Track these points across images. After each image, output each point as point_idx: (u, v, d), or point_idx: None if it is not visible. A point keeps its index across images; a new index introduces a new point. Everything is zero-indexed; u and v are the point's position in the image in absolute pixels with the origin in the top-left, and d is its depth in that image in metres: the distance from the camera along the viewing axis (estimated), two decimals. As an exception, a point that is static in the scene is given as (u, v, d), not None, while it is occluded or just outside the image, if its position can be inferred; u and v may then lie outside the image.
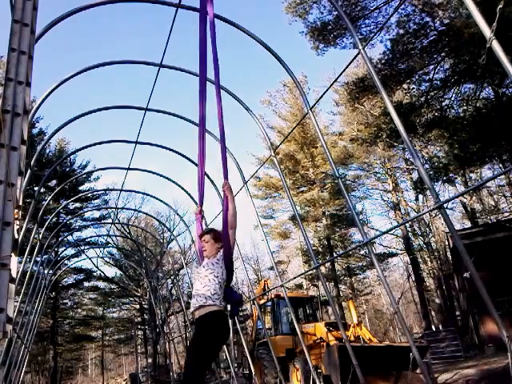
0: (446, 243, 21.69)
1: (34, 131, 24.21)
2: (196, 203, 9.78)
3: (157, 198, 10.92)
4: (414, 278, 26.57)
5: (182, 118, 7.50)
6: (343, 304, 26.32)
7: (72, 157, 29.06)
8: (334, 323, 9.61)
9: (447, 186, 21.73)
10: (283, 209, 30.93)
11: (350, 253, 26.76)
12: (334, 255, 26.36)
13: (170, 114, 7.50)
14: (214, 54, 3.31)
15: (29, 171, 5.49)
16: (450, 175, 16.66)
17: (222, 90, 3.54)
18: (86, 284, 32.55)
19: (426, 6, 11.61)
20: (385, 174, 27.43)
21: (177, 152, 8.28)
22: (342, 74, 6.25)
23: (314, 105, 6.25)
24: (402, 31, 12.08)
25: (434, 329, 22.29)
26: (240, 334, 10.99)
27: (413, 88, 13.95)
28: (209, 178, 8.38)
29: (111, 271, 44.46)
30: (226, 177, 3.17)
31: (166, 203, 11.33)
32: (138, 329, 34.39)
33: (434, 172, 15.47)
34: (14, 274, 1.99)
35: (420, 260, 26.24)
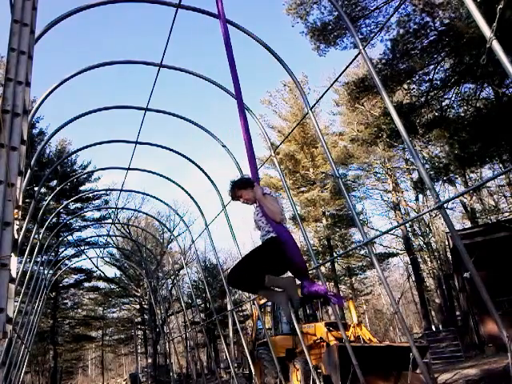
0: (446, 243, 21.69)
1: (34, 131, 24.22)
2: (196, 203, 9.77)
3: (157, 198, 10.92)
4: (414, 278, 26.57)
5: (182, 118, 7.50)
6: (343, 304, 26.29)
7: (72, 157, 29.11)
8: (334, 323, 9.58)
9: (447, 186, 21.75)
10: (283, 209, 30.90)
11: (350, 253, 26.76)
12: (334, 255, 26.37)
13: (170, 113, 7.49)
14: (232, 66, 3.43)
15: (29, 171, 5.49)
16: (451, 175, 16.66)
17: (222, 90, 3.55)
18: (86, 284, 32.60)
19: (427, 5, 11.60)
20: (385, 174, 27.44)
21: (177, 152, 8.28)
22: (342, 74, 6.26)
23: (314, 105, 6.25)
24: (402, 31, 12.08)
25: (434, 329, 22.30)
26: (240, 333, 10.99)
27: (413, 88, 13.94)
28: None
29: (111, 271, 44.51)
30: (257, 181, 3.37)
31: (166, 203, 11.33)
32: (138, 329, 34.40)
33: (435, 172, 15.48)
34: (13, 274, 1.99)
35: (420, 260, 26.25)
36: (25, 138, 2.23)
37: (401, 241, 26.39)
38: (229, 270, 3.29)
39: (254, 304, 12.67)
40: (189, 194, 9.31)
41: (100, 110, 6.88)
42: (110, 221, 26.81)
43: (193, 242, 11.62)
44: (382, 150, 24.27)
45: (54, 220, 24.81)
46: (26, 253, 8.45)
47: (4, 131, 2.11)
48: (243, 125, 3.43)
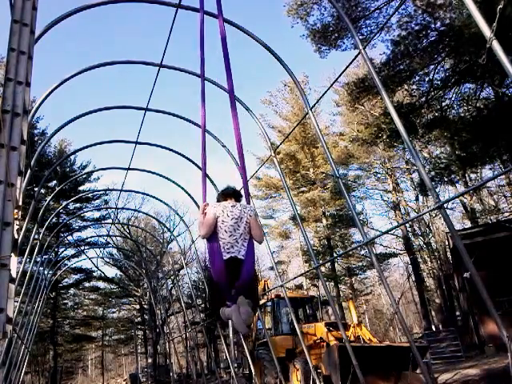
0: (446, 243, 21.68)
1: (34, 131, 24.20)
2: (196, 203, 9.78)
3: (157, 198, 10.94)
4: (414, 278, 26.56)
5: (182, 118, 7.51)
6: (343, 304, 26.31)
7: (72, 157, 29.11)
8: (334, 323, 9.60)
9: (447, 186, 21.72)
10: (283, 209, 30.93)
11: (350, 253, 26.75)
12: (334, 255, 26.36)
13: (169, 114, 7.50)
14: (227, 64, 3.39)
15: (29, 171, 5.49)
16: (452, 176, 16.62)
17: (222, 90, 3.55)
18: (86, 284, 32.59)
19: (428, 6, 11.59)
20: (385, 174, 27.43)
21: (177, 152, 8.29)
22: (342, 74, 6.26)
23: (315, 105, 6.26)
24: (403, 32, 12.07)
25: (434, 329, 22.28)
26: (240, 334, 10.98)
27: (413, 88, 13.93)
28: (209, 178, 8.39)
29: (111, 271, 44.52)
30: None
31: (165, 203, 11.37)
32: (137, 329, 34.40)
33: (436, 173, 15.42)
34: (13, 274, 1.99)
35: (420, 260, 26.23)
36: (25, 137, 2.23)
37: (401, 241, 26.37)
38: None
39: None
40: (189, 194, 9.32)
41: (100, 110, 6.90)
42: (109, 221, 26.81)
43: (193, 242, 11.63)
44: (382, 150, 24.26)
45: (53, 220, 24.77)
46: (26, 253, 8.45)
47: (4, 131, 2.11)
48: (235, 125, 3.36)
